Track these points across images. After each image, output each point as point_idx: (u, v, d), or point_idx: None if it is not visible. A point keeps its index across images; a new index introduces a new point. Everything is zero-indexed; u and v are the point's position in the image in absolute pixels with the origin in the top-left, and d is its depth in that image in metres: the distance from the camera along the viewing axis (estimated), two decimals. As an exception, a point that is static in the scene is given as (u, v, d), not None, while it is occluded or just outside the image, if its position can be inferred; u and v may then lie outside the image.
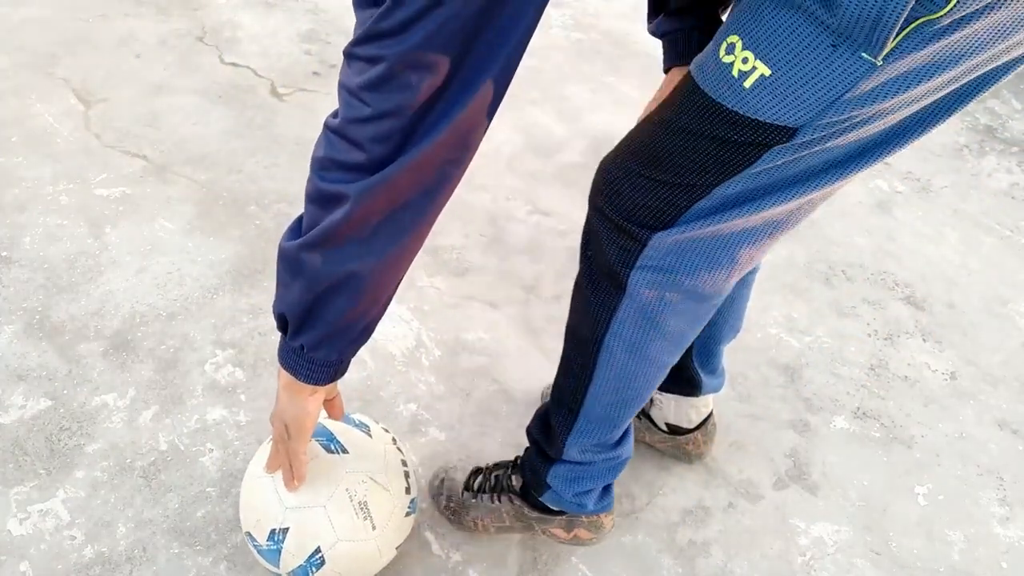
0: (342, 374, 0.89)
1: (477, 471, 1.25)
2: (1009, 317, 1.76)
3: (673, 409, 1.31)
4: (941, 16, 0.61)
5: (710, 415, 1.33)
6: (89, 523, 1.20)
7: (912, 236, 1.94)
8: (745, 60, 0.69)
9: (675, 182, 0.79)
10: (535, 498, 1.15)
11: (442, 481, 1.27)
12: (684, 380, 1.27)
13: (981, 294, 1.81)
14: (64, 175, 1.77)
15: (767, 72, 0.68)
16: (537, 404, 1.42)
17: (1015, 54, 0.71)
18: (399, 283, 0.84)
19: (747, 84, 0.69)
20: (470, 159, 0.75)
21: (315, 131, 1.96)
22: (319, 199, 0.75)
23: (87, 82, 2.04)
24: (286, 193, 1.79)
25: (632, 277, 0.86)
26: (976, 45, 0.65)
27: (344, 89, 0.70)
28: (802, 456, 1.42)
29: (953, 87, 0.71)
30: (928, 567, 1.29)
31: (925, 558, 1.30)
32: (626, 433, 1.09)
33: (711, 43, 0.75)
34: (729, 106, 0.71)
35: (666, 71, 1.04)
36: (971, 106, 2.44)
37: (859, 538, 1.32)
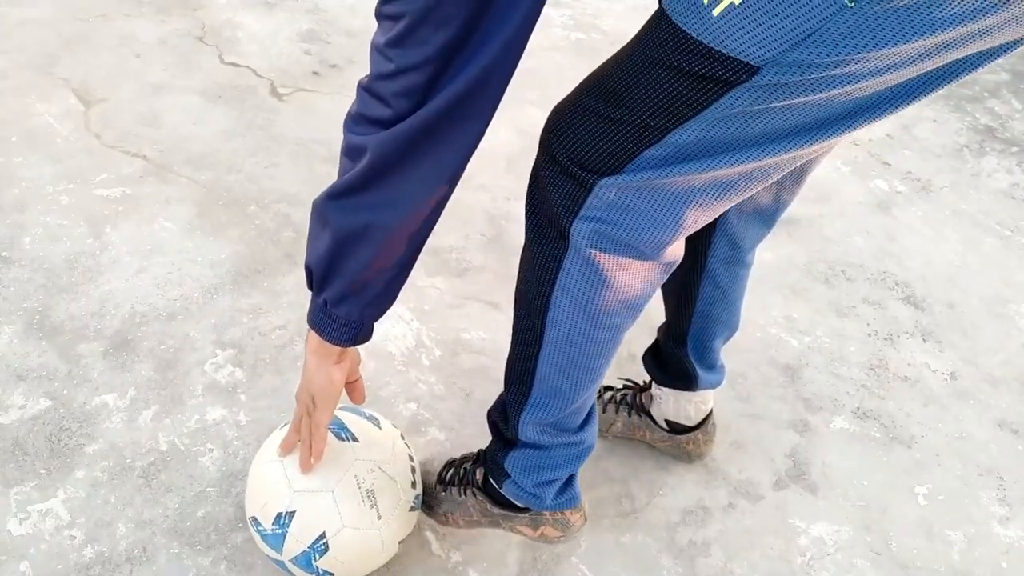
0: (364, 338, 0.93)
1: (450, 463, 1.23)
2: (1009, 317, 1.76)
3: (672, 405, 1.31)
4: None
5: (710, 414, 1.33)
6: (89, 523, 1.20)
7: (912, 236, 1.94)
8: None
9: (628, 120, 0.78)
10: (497, 491, 1.13)
11: (422, 474, 1.26)
12: (679, 373, 1.26)
13: (981, 294, 1.81)
14: (64, 175, 1.77)
15: (736, 0, 0.67)
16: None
17: (990, 42, 0.69)
18: (418, 247, 0.87)
19: (716, 12, 0.68)
20: (488, 118, 0.78)
21: (315, 131, 1.98)
22: (348, 152, 0.80)
23: (87, 82, 2.04)
24: (286, 193, 1.79)
25: (575, 227, 0.84)
26: (952, 15, 0.64)
27: (374, 48, 0.75)
28: (802, 456, 1.43)
29: (924, 66, 0.70)
30: (928, 567, 1.29)
31: (925, 558, 1.30)
32: (588, 419, 1.07)
33: None
34: (694, 35, 0.70)
35: None
36: (971, 106, 2.45)
37: (859, 538, 1.32)
